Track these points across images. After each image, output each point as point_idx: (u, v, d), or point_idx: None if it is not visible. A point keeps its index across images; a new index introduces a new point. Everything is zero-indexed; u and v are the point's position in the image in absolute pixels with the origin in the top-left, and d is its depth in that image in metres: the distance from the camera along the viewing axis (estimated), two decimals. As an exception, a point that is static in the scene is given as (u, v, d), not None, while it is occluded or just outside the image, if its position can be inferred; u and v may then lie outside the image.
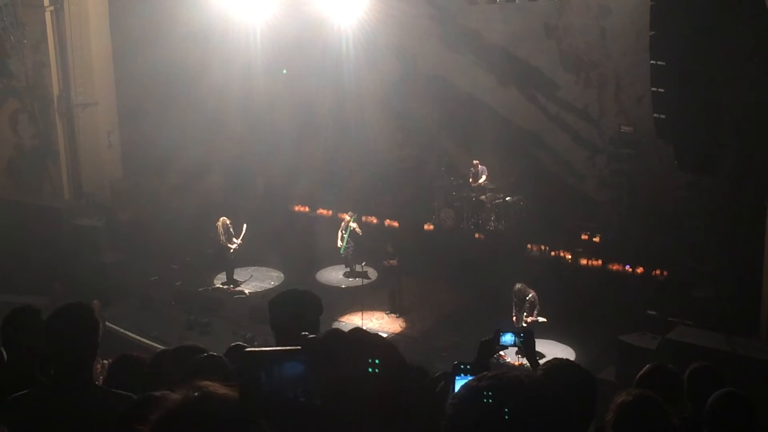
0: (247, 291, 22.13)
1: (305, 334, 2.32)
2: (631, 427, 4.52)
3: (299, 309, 5.12)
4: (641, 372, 6.20)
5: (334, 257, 22.73)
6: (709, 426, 5.62)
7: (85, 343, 4.60)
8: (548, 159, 22.74)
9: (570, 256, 21.01)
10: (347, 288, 22.17)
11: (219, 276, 22.87)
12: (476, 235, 22.35)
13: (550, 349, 18.38)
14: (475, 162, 22.46)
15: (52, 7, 23.31)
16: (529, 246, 21.51)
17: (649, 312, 17.79)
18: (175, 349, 5.67)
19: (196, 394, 2.47)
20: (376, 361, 2.28)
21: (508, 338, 5.48)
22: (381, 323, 20.35)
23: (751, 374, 13.04)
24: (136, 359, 6.10)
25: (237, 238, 22.34)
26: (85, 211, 23.67)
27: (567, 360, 5.02)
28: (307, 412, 2.26)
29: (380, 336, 2.38)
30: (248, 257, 22.93)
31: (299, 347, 2.33)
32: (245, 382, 2.42)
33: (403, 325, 20.50)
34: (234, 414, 2.43)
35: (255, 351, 2.46)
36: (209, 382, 2.54)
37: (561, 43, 21.99)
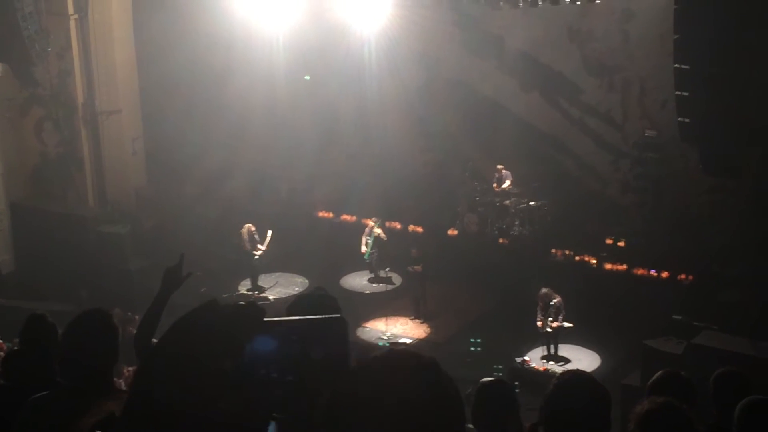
0: (271, 297, 22.15)
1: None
2: None
3: (315, 311, 5.12)
4: (653, 378, 6.13)
5: (358, 263, 22.74)
6: None
7: (104, 347, 4.71)
8: (572, 164, 22.67)
9: (595, 261, 20.90)
10: (371, 293, 22.16)
11: (243, 282, 22.92)
12: (500, 240, 22.27)
13: (575, 354, 18.35)
14: (499, 167, 22.40)
15: (76, 16, 23.41)
16: (553, 251, 21.43)
17: (675, 317, 17.67)
18: None
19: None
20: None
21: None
22: (405, 329, 20.33)
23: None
24: None
25: (262, 245, 22.37)
26: (110, 218, 23.73)
27: (580, 372, 4.93)
28: (280, 388, 2.08)
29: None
30: (272, 263, 22.96)
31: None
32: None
33: (428, 330, 20.48)
34: None
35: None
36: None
37: (584, 47, 21.92)
